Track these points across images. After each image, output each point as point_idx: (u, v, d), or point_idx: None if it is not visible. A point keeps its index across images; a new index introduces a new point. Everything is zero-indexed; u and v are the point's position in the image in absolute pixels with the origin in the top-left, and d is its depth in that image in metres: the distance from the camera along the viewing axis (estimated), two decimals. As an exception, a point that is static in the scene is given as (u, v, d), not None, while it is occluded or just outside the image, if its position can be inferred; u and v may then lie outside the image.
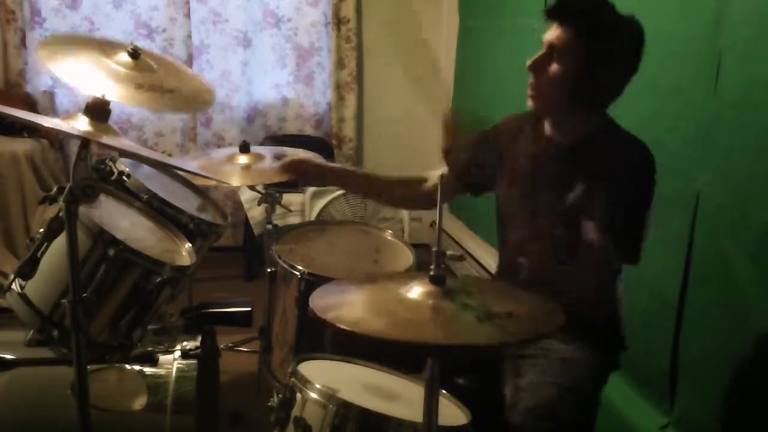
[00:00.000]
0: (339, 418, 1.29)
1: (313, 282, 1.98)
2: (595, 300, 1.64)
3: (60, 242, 1.51)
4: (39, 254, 1.54)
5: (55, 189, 1.39)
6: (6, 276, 2.04)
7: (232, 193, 4.00)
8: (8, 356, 1.74)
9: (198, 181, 2.20)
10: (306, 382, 1.34)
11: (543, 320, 1.18)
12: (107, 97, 1.44)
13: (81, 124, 1.41)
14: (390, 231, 2.39)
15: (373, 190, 2.10)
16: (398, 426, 1.27)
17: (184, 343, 1.82)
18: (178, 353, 1.79)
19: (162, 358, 1.78)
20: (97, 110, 1.43)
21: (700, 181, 1.87)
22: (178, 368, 1.77)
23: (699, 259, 1.88)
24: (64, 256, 1.36)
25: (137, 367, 1.77)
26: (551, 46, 1.55)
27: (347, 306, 1.20)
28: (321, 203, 3.48)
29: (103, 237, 1.54)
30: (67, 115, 1.49)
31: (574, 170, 1.56)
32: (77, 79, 1.56)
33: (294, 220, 3.37)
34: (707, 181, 1.85)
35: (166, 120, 4.11)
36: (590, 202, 1.48)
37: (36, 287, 1.55)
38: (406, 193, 2.00)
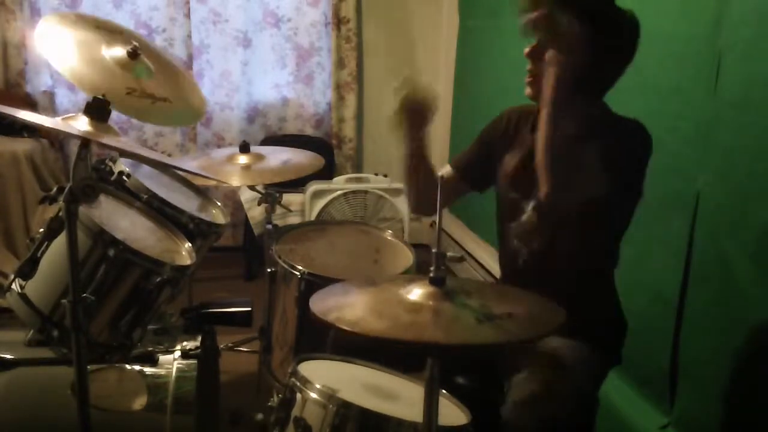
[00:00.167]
0: (339, 418, 1.29)
1: (313, 282, 1.98)
2: (592, 291, 1.65)
3: (60, 242, 1.51)
4: (39, 254, 1.54)
5: (55, 189, 1.39)
6: (6, 276, 2.03)
7: (232, 193, 4.00)
8: (8, 356, 1.74)
9: (198, 181, 2.20)
10: (306, 382, 1.34)
11: (543, 320, 1.18)
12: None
13: (81, 124, 1.41)
14: (390, 231, 2.39)
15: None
16: (398, 426, 1.27)
17: (184, 343, 1.82)
18: (178, 353, 1.79)
19: (162, 358, 1.78)
20: (97, 110, 1.43)
21: (700, 181, 1.86)
22: (178, 368, 1.77)
23: (699, 259, 1.88)
24: (64, 256, 1.36)
25: (137, 367, 1.77)
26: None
27: (348, 307, 1.20)
28: (321, 203, 3.49)
29: (103, 237, 1.53)
30: (67, 115, 1.48)
31: (575, 158, 1.56)
32: (71, 73, 1.53)
33: (294, 220, 3.38)
34: (707, 181, 1.85)
35: (166, 120, 4.11)
36: (592, 189, 1.47)
37: (36, 287, 1.55)
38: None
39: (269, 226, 2.46)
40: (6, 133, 3.52)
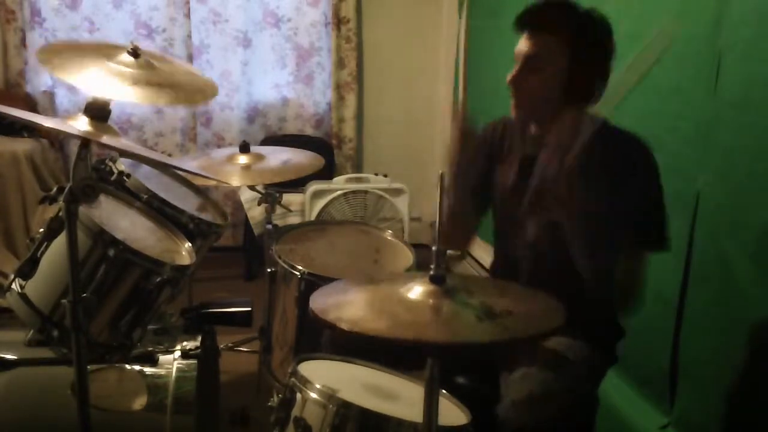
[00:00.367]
0: (339, 418, 1.29)
1: (313, 282, 1.98)
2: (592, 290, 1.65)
3: (60, 242, 1.51)
4: (39, 254, 1.54)
5: (55, 189, 1.39)
6: (6, 276, 2.04)
7: (232, 193, 4.00)
8: (8, 356, 1.74)
9: (198, 181, 2.20)
10: (306, 382, 1.34)
11: (543, 318, 1.18)
12: (115, 98, 1.43)
13: (81, 124, 1.41)
14: (390, 231, 2.39)
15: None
16: (398, 426, 1.27)
17: (184, 343, 1.82)
18: (178, 353, 1.79)
19: (162, 358, 1.78)
20: (97, 110, 1.43)
21: (700, 181, 1.86)
22: (178, 368, 1.77)
23: (699, 259, 1.88)
24: (64, 256, 1.36)
25: (137, 367, 1.77)
26: (527, 58, 1.55)
27: (347, 306, 1.20)
28: (321, 203, 3.49)
29: (103, 237, 1.54)
30: (67, 115, 1.48)
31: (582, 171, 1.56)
32: (84, 82, 1.54)
33: (294, 220, 3.38)
34: (707, 181, 1.85)
35: (166, 120, 4.11)
36: (594, 200, 1.48)
37: (36, 287, 1.55)
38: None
39: (269, 226, 2.46)
40: (6, 133, 3.52)
